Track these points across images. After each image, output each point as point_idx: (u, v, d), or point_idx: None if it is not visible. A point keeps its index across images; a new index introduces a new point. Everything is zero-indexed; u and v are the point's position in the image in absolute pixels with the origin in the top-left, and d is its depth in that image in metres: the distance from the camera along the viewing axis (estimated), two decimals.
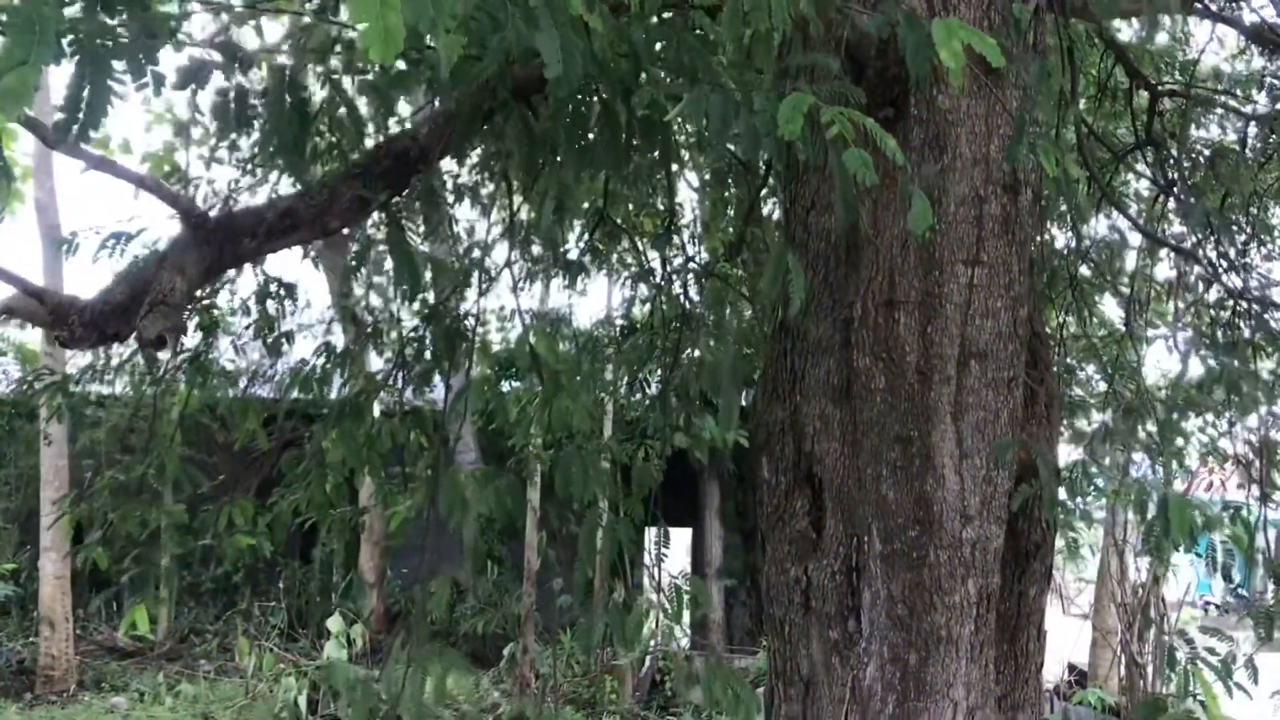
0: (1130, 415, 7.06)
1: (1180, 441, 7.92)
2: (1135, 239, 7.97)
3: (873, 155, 2.77)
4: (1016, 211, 3.51)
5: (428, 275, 6.24)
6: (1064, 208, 5.95)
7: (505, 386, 14.41)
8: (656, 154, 4.98)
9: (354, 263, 6.25)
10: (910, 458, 3.56)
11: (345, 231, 4.53)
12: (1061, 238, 6.50)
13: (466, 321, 4.66)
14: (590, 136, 3.24)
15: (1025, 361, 3.69)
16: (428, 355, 4.56)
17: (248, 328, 4.97)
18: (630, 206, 6.14)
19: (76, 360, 11.89)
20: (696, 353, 5.61)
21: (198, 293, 3.22)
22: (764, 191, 6.35)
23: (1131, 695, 8.66)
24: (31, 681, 11.57)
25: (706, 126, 2.62)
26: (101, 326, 2.84)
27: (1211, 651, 5.62)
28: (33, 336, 15.91)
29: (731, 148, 6.22)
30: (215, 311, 4.59)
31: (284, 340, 4.77)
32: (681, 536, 16.77)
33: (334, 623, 10.95)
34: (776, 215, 6.96)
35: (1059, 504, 3.73)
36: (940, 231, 3.41)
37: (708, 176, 7.19)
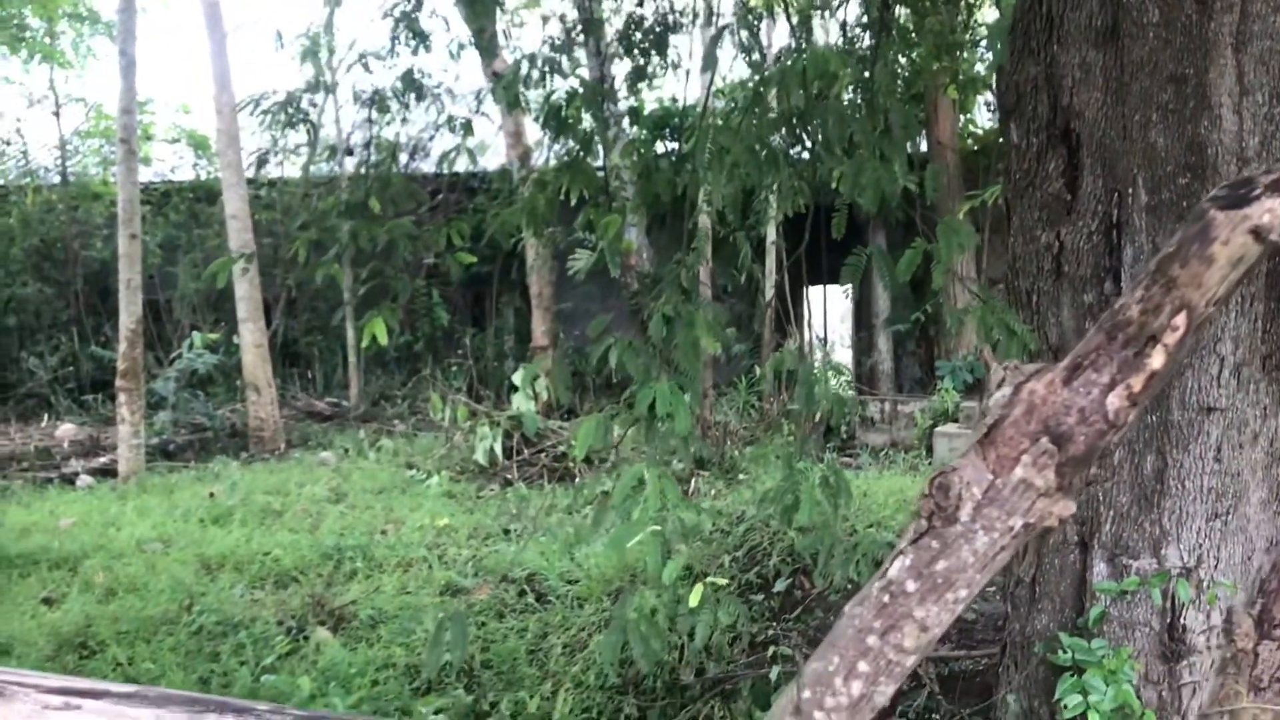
0: None
1: None
2: None
3: None
4: None
5: None
6: None
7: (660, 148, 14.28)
8: None
9: None
10: (1184, 99, 3.32)
11: None
12: None
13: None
14: None
15: None
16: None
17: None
18: None
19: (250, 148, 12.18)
20: None
21: None
22: None
23: None
24: (245, 442, 12.49)
25: None
26: None
27: None
28: (204, 123, 16.35)
29: None
30: None
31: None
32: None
33: (519, 376, 11.32)
34: None
35: None
36: None
37: None
